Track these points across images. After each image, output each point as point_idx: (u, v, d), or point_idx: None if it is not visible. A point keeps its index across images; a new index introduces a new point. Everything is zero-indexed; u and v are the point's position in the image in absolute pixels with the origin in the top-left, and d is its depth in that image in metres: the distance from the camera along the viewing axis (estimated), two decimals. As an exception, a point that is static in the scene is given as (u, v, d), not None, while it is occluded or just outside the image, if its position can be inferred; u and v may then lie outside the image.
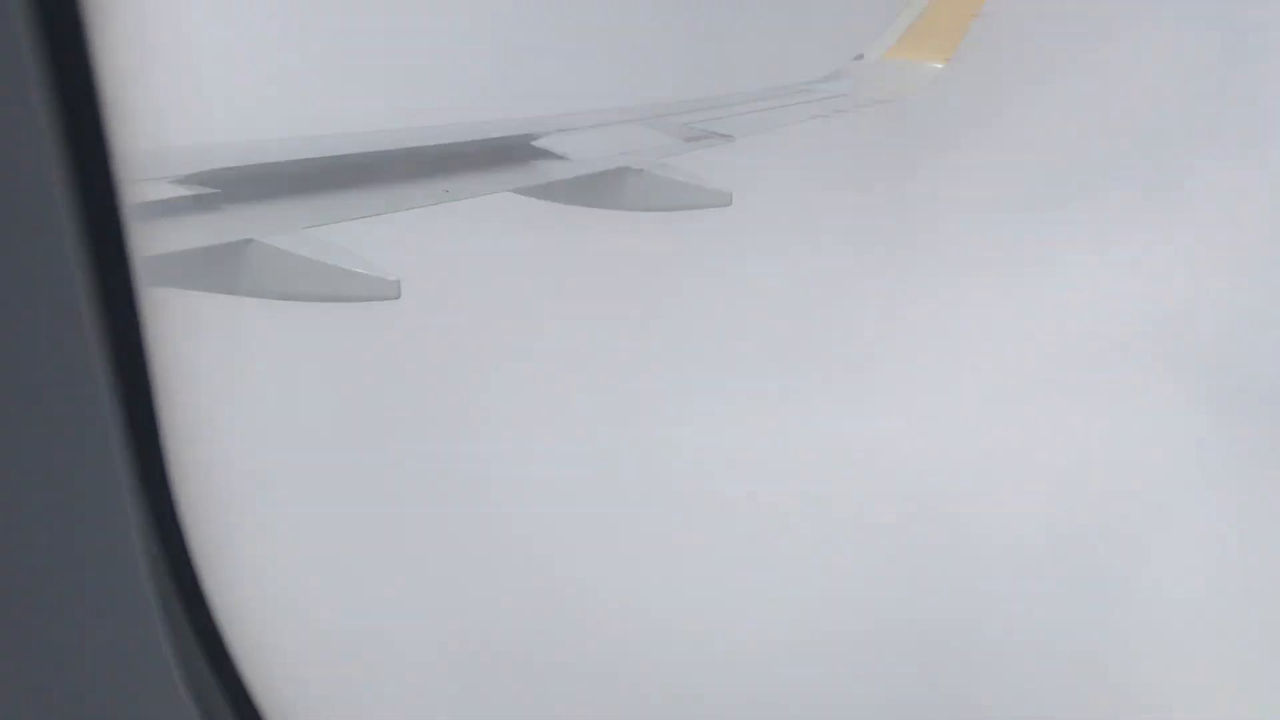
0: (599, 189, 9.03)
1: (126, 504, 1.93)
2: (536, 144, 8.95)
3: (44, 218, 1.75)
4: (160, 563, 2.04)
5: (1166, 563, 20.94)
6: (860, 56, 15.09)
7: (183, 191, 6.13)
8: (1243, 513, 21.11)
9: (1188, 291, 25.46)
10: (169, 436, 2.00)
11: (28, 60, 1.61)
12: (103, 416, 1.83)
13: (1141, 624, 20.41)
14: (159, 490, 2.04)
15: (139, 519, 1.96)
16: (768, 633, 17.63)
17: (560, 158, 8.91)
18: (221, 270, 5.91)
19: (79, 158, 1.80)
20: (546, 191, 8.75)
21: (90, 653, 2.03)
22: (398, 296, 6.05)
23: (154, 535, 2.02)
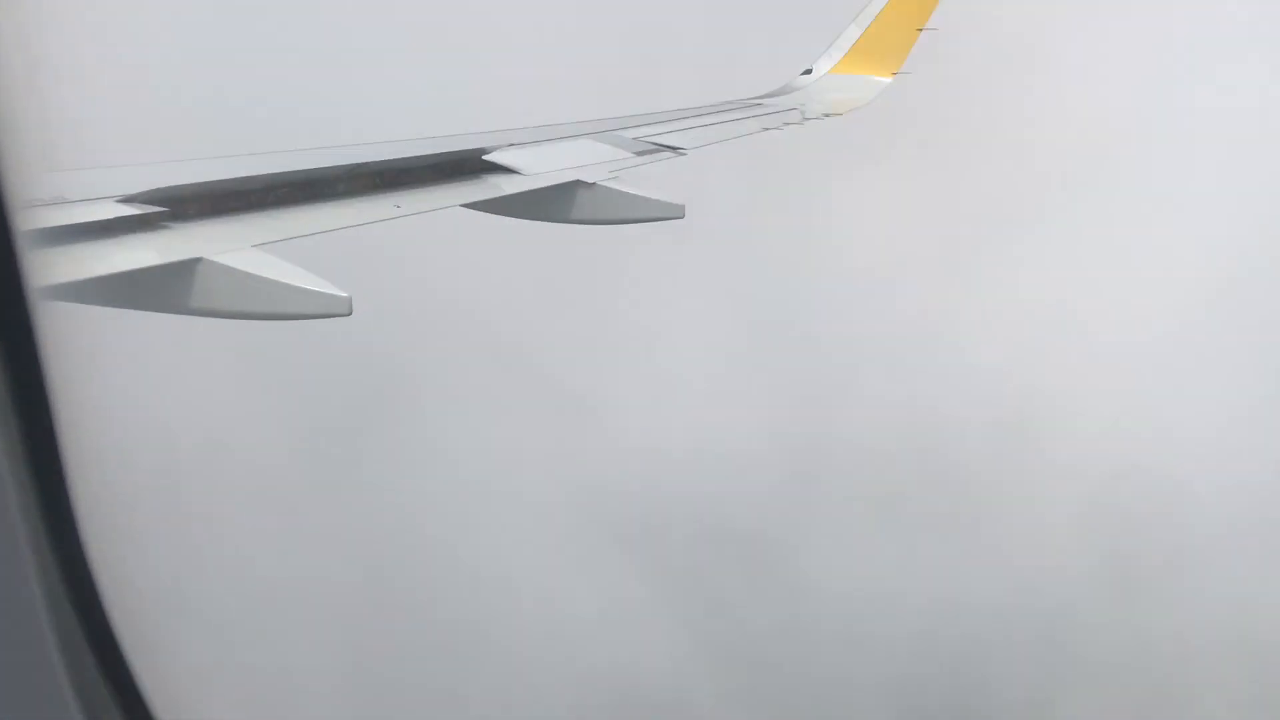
0: (551, 202, 8.98)
1: (13, 505, 1.95)
2: (488, 158, 8.88)
3: None
4: (51, 564, 2.07)
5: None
6: (809, 71, 15.27)
7: (130, 211, 6.02)
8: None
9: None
10: (66, 447, 2.04)
11: None
12: None
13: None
14: (53, 494, 2.08)
15: (30, 523, 2.00)
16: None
17: (512, 171, 8.83)
18: (171, 289, 5.84)
19: None
20: (498, 206, 8.65)
21: None
22: (349, 313, 5.97)
23: (47, 539, 2.06)
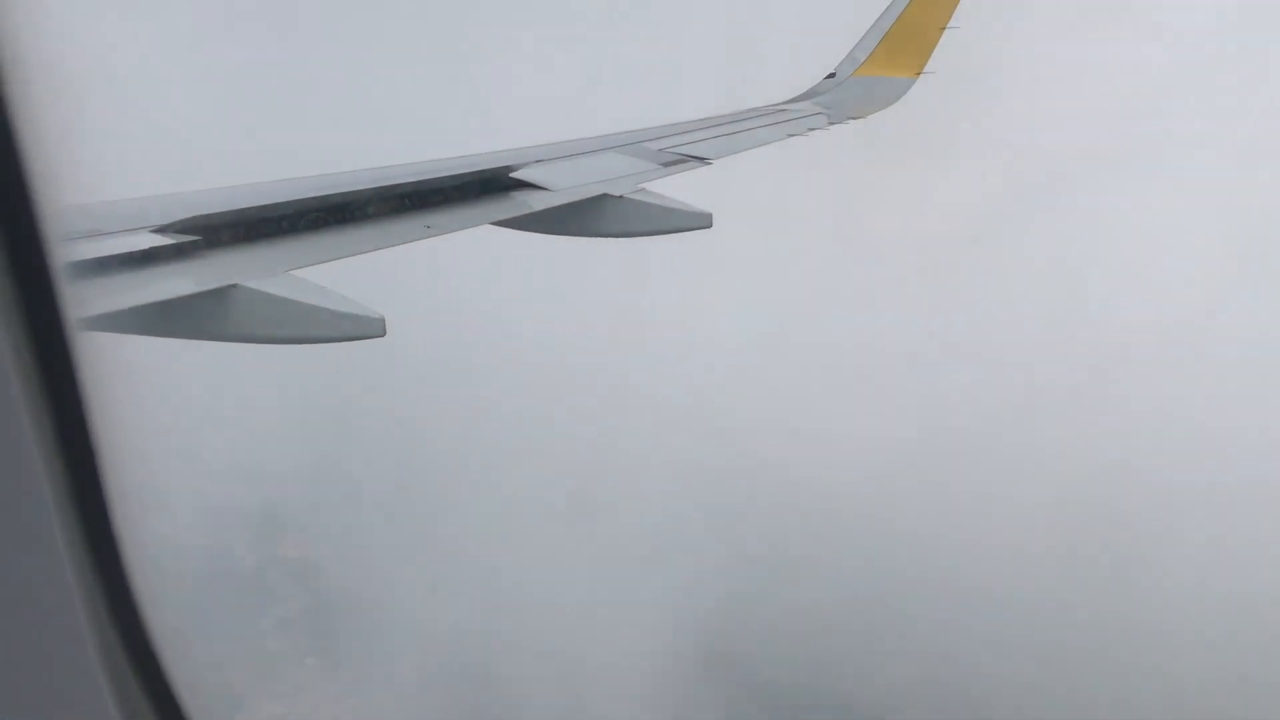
0: (579, 217, 8.99)
1: (55, 519, 2.01)
2: (515, 175, 8.90)
3: None
4: (91, 575, 2.15)
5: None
6: (833, 74, 15.22)
7: (164, 240, 6.08)
8: None
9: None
10: (109, 477, 2.10)
11: None
12: (30, 440, 1.92)
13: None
14: (96, 521, 2.14)
15: (69, 536, 2.06)
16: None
17: (539, 188, 8.86)
18: (208, 317, 5.87)
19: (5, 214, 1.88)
20: (527, 222, 8.66)
21: (18, 659, 2.09)
22: (384, 334, 5.98)
23: (86, 551, 2.12)
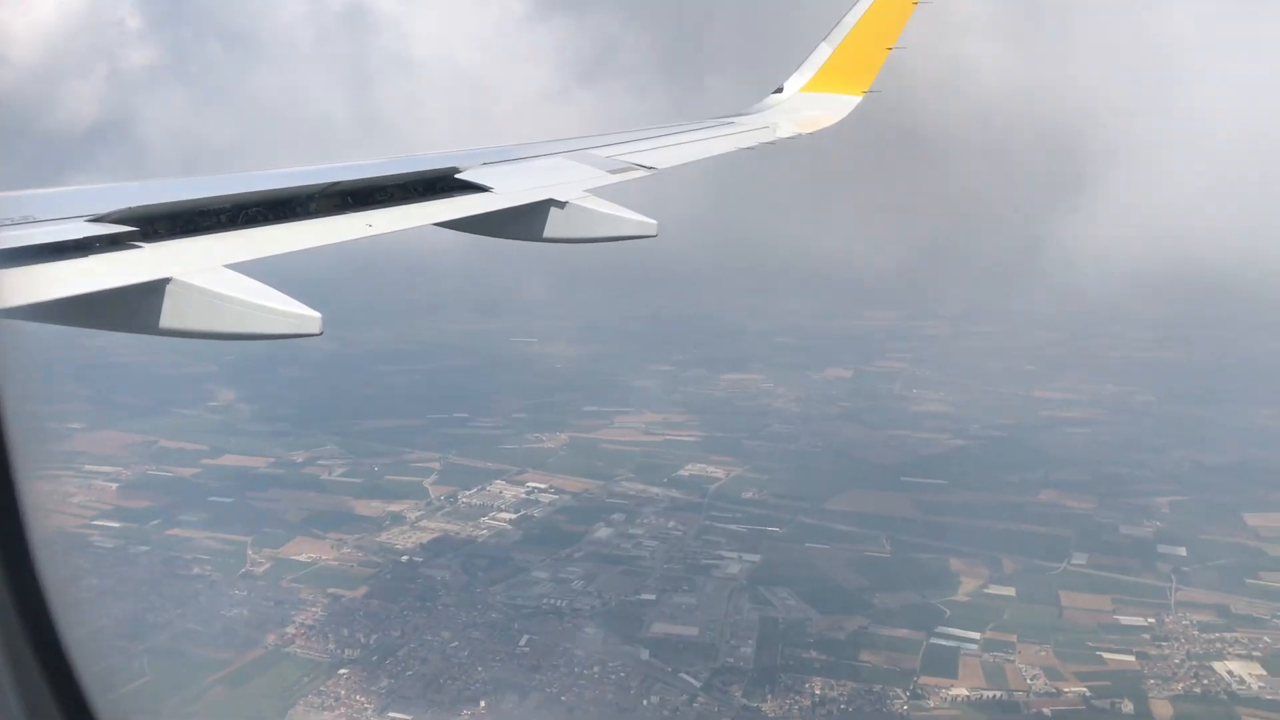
0: (524, 221, 8.82)
1: None
2: (460, 177, 8.75)
3: None
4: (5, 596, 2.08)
5: None
6: (780, 90, 15.32)
7: (99, 230, 5.89)
8: None
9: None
10: (18, 468, 2.04)
11: None
12: None
13: None
14: (6, 513, 2.07)
15: None
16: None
17: (484, 190, 8.69)
18: (141, 310, 5.70)
19: None
20: (471, 224, 8.46)
21: None
22: (320, 333, 5.82)
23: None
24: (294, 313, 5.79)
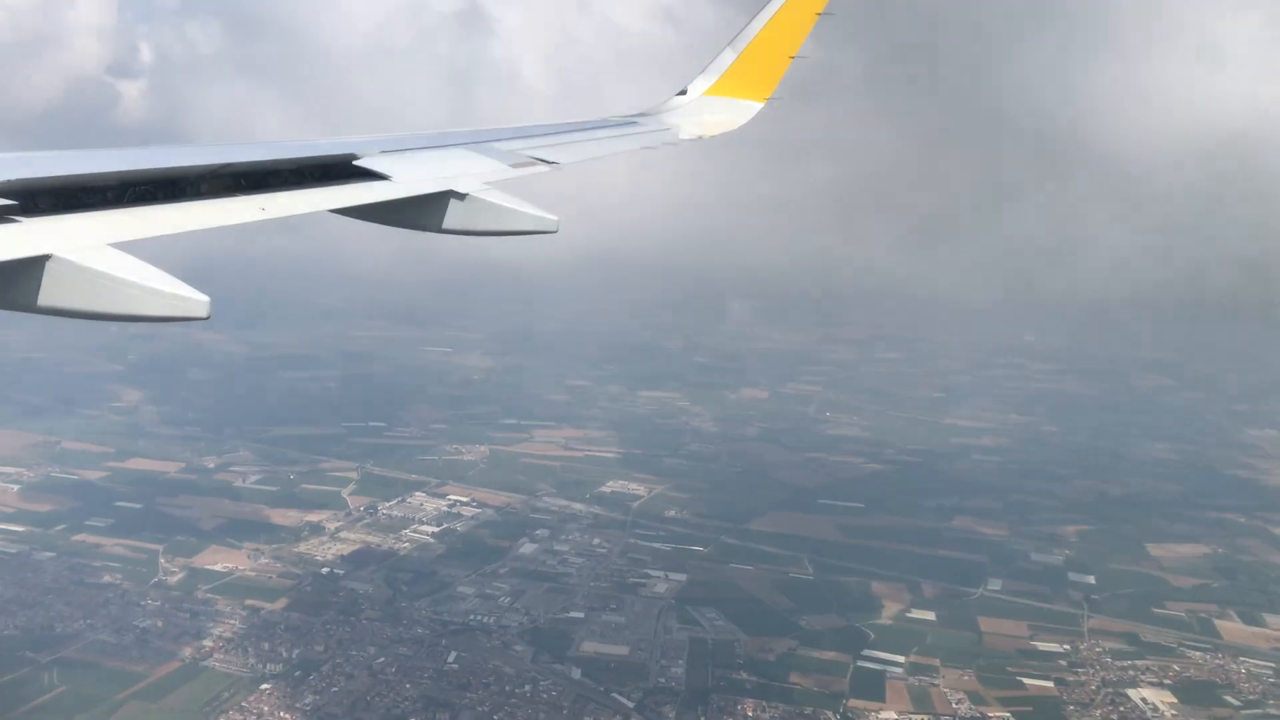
0: (422, 211, 8.58)
1: None
2: (358, 163, 8.52)
3: None
4: None
5: None
6: (684, 92, 15.26)
7: None
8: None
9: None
10: None
11: None
12: None
13: None
14: None
15: None
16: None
17: (383, 178, 8.44)
18: (19, 286, 5.41)
19: None
20: (368, 212, 8.20)
21: None
22: (207, 316, 5.46)
23: None
24: (180, 295, 5.45)
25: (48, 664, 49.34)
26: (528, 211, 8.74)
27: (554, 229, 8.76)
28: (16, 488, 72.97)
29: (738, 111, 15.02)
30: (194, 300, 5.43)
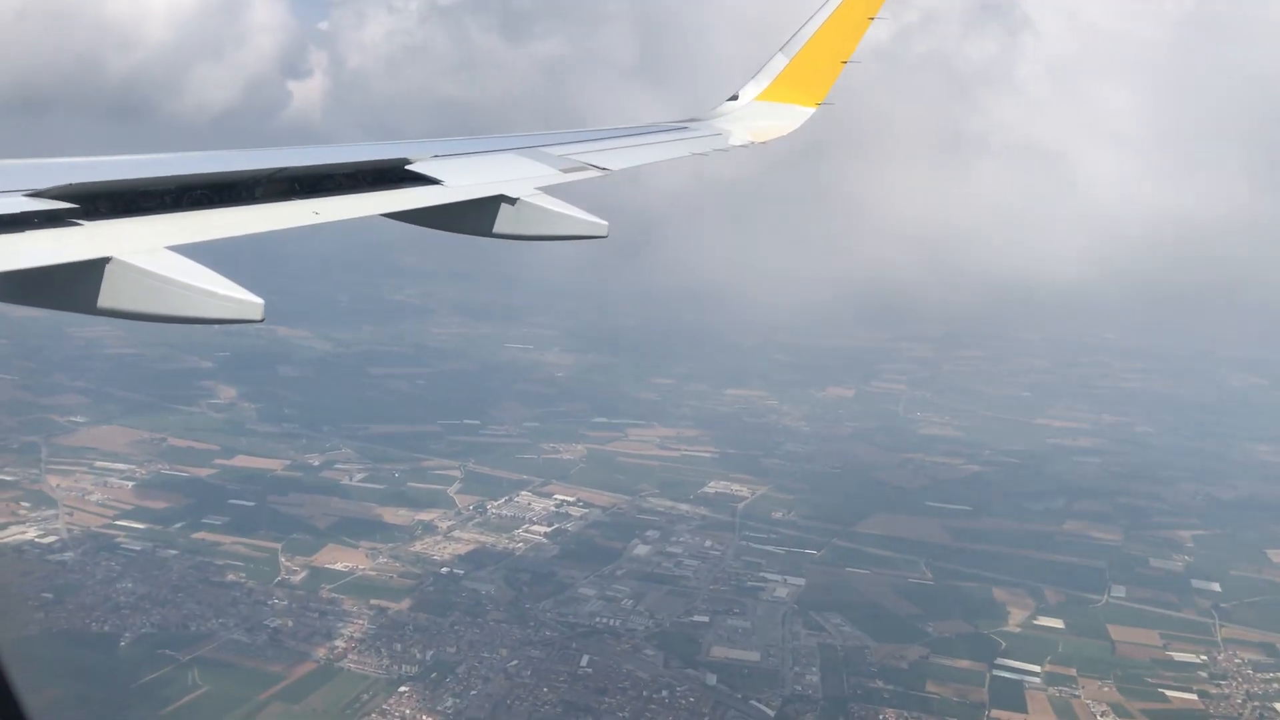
0: (473, 216, 8.57)
1: None
2: (411, 168, 8.50)
3: None
4: None
5: None
6: (735, 98, 14.92)
7: (39, 206, 5.63)
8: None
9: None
10: None
11: None
12: None
13: None
14: None
15: None
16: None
17: (435, 182, 8.44)
18: (78, 289, 5.50)
19: None
20: (419, 216, 8.19)
21: None
22: (262, 319, 5.51)
23: None
24: (235, 297, 5.52)
25: (187, 663, 49.39)
26: (578, 216, 8.67)
27: (604, 234, 8.67)
28: (131, 484, 73.37)
29: (789, 117, 14.71)
30: (249, 303, 5.54)
